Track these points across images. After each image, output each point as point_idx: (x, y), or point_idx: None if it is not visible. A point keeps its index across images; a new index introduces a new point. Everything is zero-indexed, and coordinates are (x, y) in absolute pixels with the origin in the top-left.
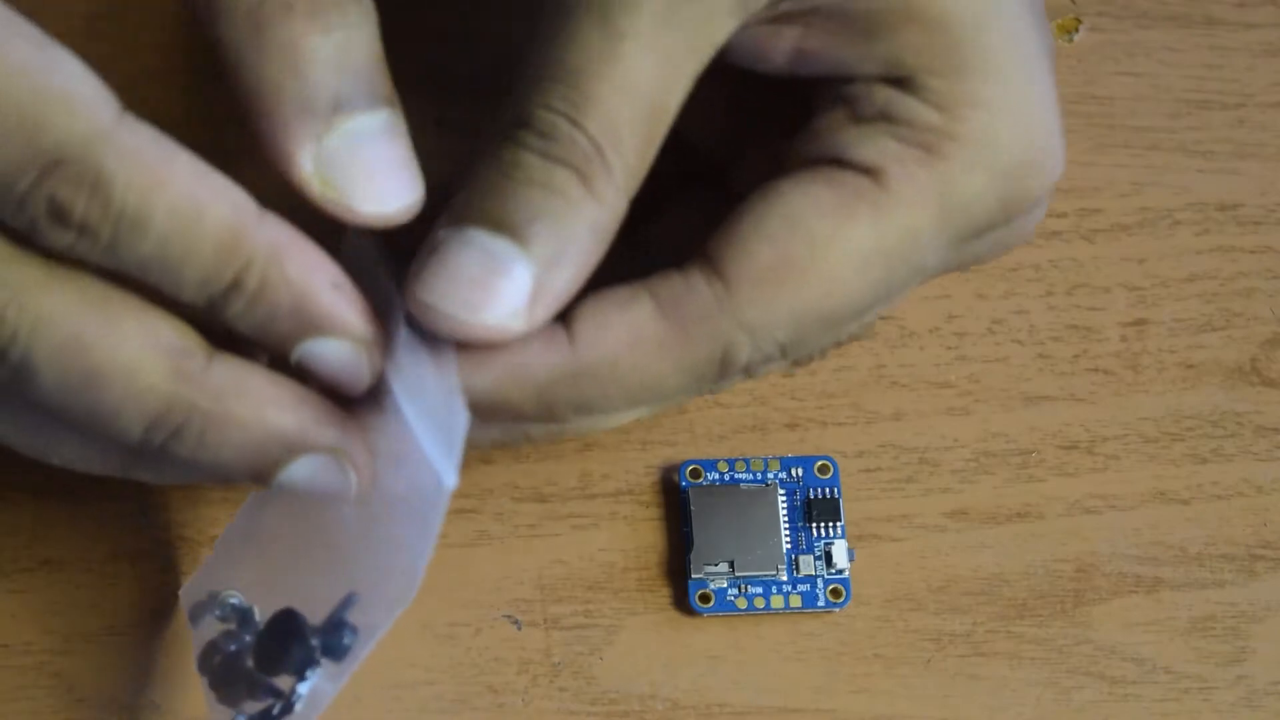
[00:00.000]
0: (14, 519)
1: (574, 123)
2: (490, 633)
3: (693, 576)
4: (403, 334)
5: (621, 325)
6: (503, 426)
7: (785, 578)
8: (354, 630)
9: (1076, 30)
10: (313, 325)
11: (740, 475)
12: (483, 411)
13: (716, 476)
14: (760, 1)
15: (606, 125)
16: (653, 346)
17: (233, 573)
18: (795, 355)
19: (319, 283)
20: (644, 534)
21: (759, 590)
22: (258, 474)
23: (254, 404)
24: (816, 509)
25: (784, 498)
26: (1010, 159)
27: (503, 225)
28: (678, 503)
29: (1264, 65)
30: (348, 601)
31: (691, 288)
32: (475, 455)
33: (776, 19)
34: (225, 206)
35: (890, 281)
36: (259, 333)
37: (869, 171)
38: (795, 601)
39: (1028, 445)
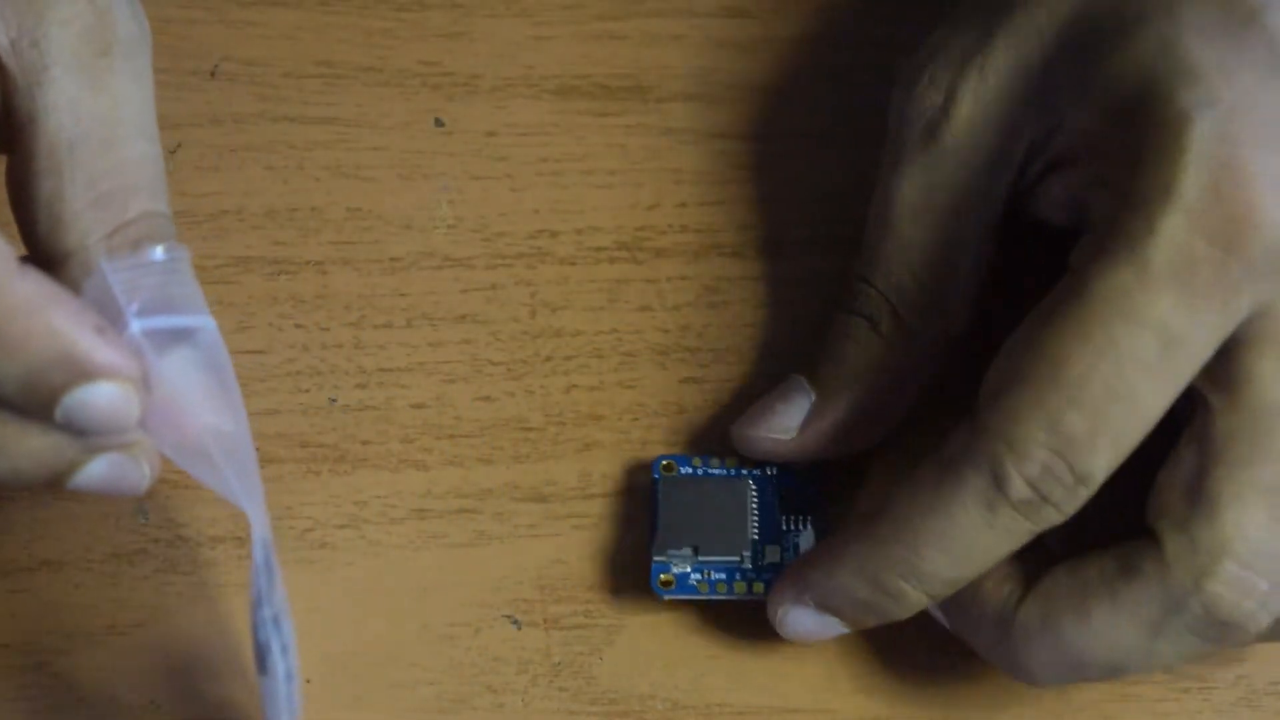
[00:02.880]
0: (14, 519)
1: (866, 281)
2: (490, 633)
3: (655, 559)
4: None
5: (904, 486)
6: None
7: (750, 565)
8: (262, 569)
9: None
10: (83, 370)
11: (714, 470)
12: (834, 605)
13: (689, 471)
14: (1017, 150)
15: (888, 277)
16: (930, 491)
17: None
18: (1081, 456)
19: (85, 328)
20: (644, 534)
21: (721, 576)
22: (56, 476)
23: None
24: (788, 503)
25: (755, 489)
26: (1197, 197)
27: (812, 367)
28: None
29: None
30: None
31: (954, 434)
32: (475, 455)
33: (1049, 169)
34: None
35: (1118, 340)
36: (24, 390)
37: (1069, 271)
38: (758, 589)
39: None
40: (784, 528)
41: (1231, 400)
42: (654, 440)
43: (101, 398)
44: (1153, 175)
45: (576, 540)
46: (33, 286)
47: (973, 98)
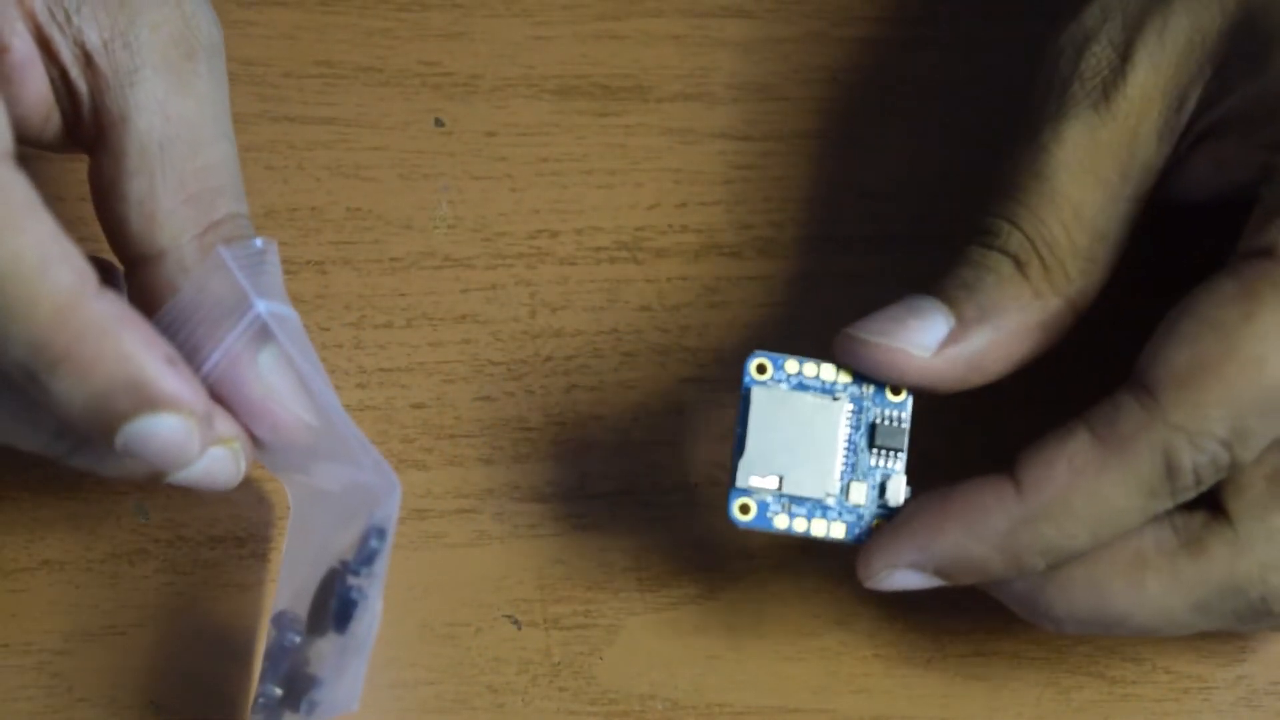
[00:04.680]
0: (14, 519)
1: (1012, 223)
2: (490, 633)
3: (736, 485)
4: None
5: (1061, 460)
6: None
7: (833, 504)
8: (380, 532)
9: None
10: (148, 399)
11: (809, 381)
12: (953, 573)
13: (783, 377)
14: (1180, 121)
15: (1039, 226)
16: (1094, 472)
17: (283, 591)
18: (1247, 449)
19: (156, 356)
20: (644, 534)
21: (802, 511)
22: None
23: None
24: (880, 435)
25: (850, 415)
26: None
27: (937, 290)
28: (684, 501)
29: None
30: (370, 519)
31: (1120, 408)
32: (475, 456)
33: (1200, 138)
34: (69, 271)
35: None
36: (88, 412)
37: (1264, 252)
38: (836, 531)
39: None
40: (872, 463)
41: None
42: (654, 440)
43: (163, 429)
44: None
45: (576, 540)
46: (108, 308)
47: (1149, 61)
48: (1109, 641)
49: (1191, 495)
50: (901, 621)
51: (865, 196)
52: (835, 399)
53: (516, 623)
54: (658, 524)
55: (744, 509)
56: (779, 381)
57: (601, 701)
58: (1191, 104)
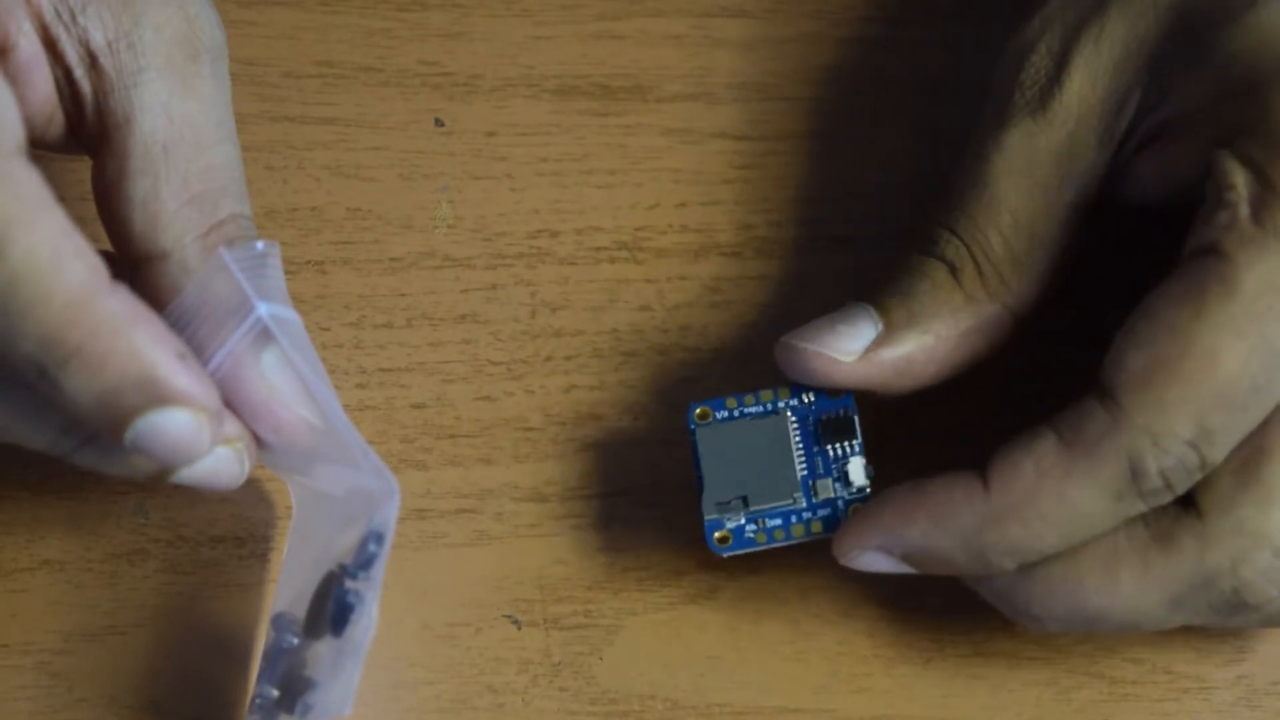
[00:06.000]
0: (14, 519)
1: (951, 230)
2: (490, 633)
3: (706, 517)
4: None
5: (1028, 462)
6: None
7: (804, 504)
8: (378, 537)
9: None
10: (159, 394)
11: (749, 409)
12: (920, 563)
13: (725, 414)
14: (1120, 127)
15: (975, 233)
16: (1061, 475)
17: (282, 594)
18: (1214, 448)
19: (168, 352)
20: (644, 534)
21: (777, 522)
22: (166, 470)
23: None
24: (829, 430)
25: (795, 423)
26: None
27: (875, 297)
28: (684, 501)
29: None
30: (369, 524)
31: (1086, 413)
32: (475, 455)
33: (1145, 142)
34: (82, 268)
35: (1271, 339)
36: (98, 408)
37: (1209, 251)
38: (817, 528)
39: None
40: (831, 456)
41: None
42: (654, 440)
43: (174, 425)
44: None
45: (576, 540)
46: (121, 305)
47: (1086, 68)
48: (1109, 641)
49: (1167, 498)
50: (901, 621)
51: (865, 196)
52: (777, 413)
53: (516, 623)
54: (658, 524)
55: (722, 540)
56: (721, 420)
57: (601, 701)
58: (1131, 109)
